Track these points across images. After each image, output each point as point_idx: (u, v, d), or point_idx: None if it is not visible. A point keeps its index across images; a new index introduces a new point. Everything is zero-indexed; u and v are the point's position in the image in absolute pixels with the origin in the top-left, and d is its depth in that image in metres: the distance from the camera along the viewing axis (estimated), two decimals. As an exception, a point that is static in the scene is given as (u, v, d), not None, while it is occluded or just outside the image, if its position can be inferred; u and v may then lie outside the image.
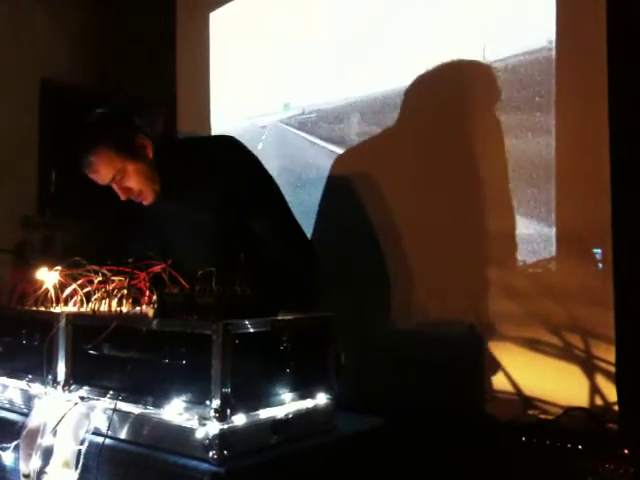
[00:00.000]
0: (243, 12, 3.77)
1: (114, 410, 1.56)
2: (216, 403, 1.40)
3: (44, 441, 1.59)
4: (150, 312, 1.63)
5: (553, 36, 2.56)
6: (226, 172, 2.24)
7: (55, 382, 1.71)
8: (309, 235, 2.68)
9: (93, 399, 1.63)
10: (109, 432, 1.56)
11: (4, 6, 3.86)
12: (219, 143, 2.44)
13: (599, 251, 2.39)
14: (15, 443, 1.62)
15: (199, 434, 1.42)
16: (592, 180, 2.41)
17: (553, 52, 2.56)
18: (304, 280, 2.25)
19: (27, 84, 3.99)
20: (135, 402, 1.56)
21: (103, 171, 2.20)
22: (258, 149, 3.44)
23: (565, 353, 2.44)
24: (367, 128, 3.15)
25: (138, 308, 1.75)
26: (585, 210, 2.43)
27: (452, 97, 2.85)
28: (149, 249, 2.32)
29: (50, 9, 4.08)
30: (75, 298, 1.80)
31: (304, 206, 3.16)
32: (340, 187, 3.17)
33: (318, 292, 2.27)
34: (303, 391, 1.61)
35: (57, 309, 1.81)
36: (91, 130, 2.24)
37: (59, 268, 1.82)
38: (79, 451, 1.55)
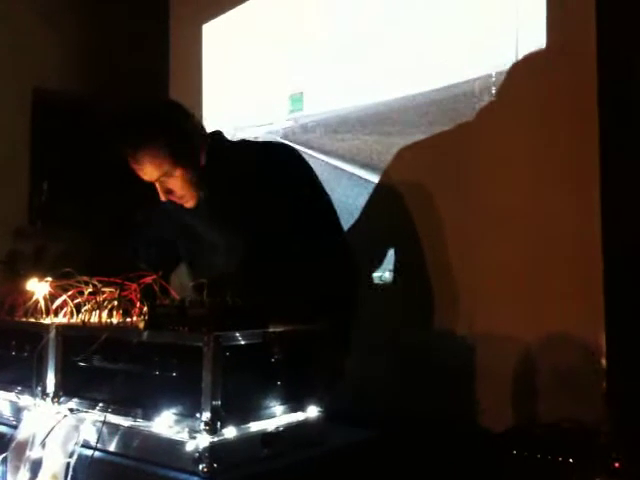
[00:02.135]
0: (236, 24, 3.78)
1: (104, 422, 1.55)
2: (206, 416, 1.39)
3: (33, 453, 1.58)
4: (141, 323, 1.62)
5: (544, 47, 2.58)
6: (276, 184, 2.15)
7: (44, 394, 1.70)
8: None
9: (83, 411, 1.62)
10: (98, 445, 1.55)
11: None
12: (272, 152, 2.34)
13: (591, 264, 2.39)
14: (3, 455, 1.61)
15: (189, 447, 1.42)
16: (583, 193, 2.42)
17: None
18: (346, 293, 2.24)
19: (19, 93, 3.97)
20: (125, 414, 1.55)
21: (149, 170, 2.12)
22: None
23: (556, 364, 2.44)
24: (363, 139, 3.15)
25: (129, 319, 1.74)
26: (577, 223, 2.44)
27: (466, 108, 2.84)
28: (146, 259, 2.31)
29: (44, 18, 4.07)
30: (65, 309, 1.79)
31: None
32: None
33: (352, 306, 2.27)
34: (294, 404, 1.61)
35: (47, 320, 1.80)
36: (146, 123, 2.14)
37: (49, 279, 1.81)
38: (68, 464, 1.54)
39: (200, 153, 2.18)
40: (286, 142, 2.44)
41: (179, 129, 2.15)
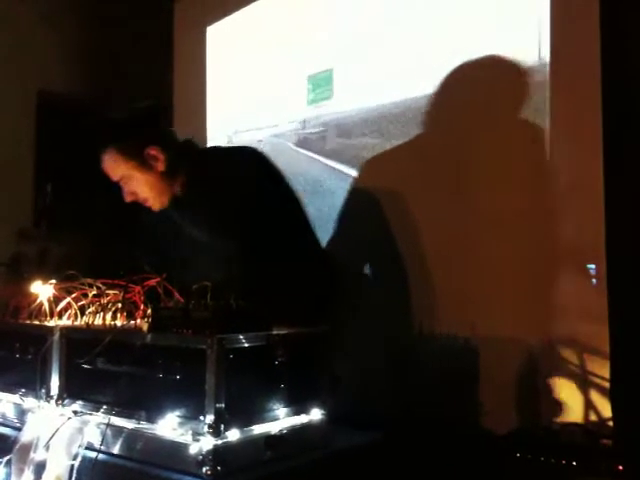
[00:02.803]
0: (240, 26, 3.78)
1: (107, 425, 1.56)
2: (210, 418, 1.39)
3: (37, 456, 1.58)
4: (144, 326, 1.62)
5: (547, 51, 2.57)
6: (246, 189, 2.19)
7: (48, 396, 1.70)
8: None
9: (86, 413, 1.63)
10: (102, 447, 1.55)
11: (1, 19, 3.87)
12: (242, 157, 2.39)
13: (593, 266, 2.39)
14: (7, 458, 1.61)
15: (193, 449, 1.42)
16: (586, 196, 2.42)
17: (547, 67, 2.57)
18: (322, 295, 2.23)
19: (23, 95, 3.99)
20: (129, 417, 1.55)
21: (110, 170, 2.25)
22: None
23: (560, 366, 2.44)
24: (369, 142, 3.14)
25: (132, 322, 1.74)
26: (579, 226, 2.44)
27: (471, 107, 2.83)
28: (147, 262, 2.34)
29: (48, 21, 4.09)
30: (69, 311, 1.80)
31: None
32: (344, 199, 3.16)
33: (337, 307, 2.27)
34: (297, 406, 1.61)
35: (51, 322, 1.80)
36: (111, 128, 2.29)
37: (54, 281, 1.82)
38: (72, 466, 1.54)
39: (158, 160, 2.24)
40: (253, 146, 2.47)
41: (133, 137, 2.25)
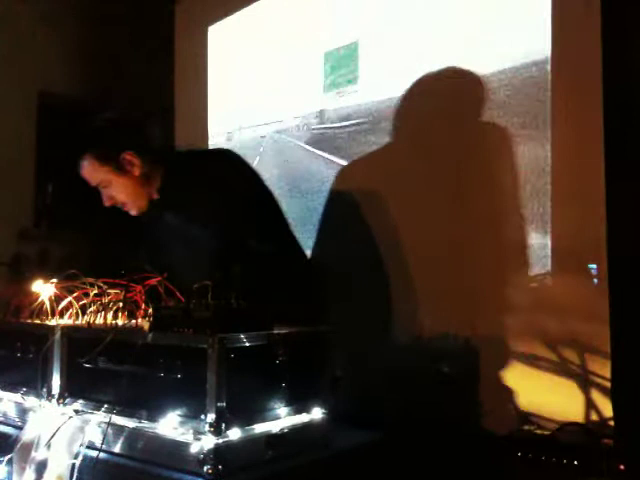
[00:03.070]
0: (242, 26, 3.78)
1: (109, 424, 1.56)
2: (211, 417, 1.39)
3: (38, 455, 1.58)
4: (145, 325, 1.62)
5: (549, 51, 2.57)
6: (223, 188, 2.24)
7: (50, 395, 1.70)
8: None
9: (88, 412, 1.63)
10: (103, 446, 1.55)
11: (2, 19, 3.87)
12: (217, 158, 2.45)
13: (594, 267, 2.39)
14: (9, 456, 1.62)
15: (194, 448, 1.42)
16: (587, 196, 2.42)
17: (548, 67, 2.57)
18: (304, 295, 2.25)
19: (25, 97, 3.99)
20: (130, 416, 1.55)
21: (88, 176, 2.29)
22: (256, 159, 3.47)
23: (561, 368, 2.44)
24: (366, 139, 3.15)
25: (134, 321, 1.74)
26: (581, 226, 2.44)
27: (454, 107, 2.83)
28: (147, 262, 2.35)
29: (48, 21, 4.09)
30: (70, 311, 1.80)
31: (301, 215, 3.18)
32: (340, 200, 3.16)
33: (320, 306, 2.28)
34: (298, 405, 1.61)
35: (52, 322, 1.80)
36: (86, 135, 2.33)
37: (55, 280, 1.82)
38: (73, 465, 1.54)
39: (134, 164, 2.27)
40: (228, 148, 2.50)
41: (109, 143, 2.28)
